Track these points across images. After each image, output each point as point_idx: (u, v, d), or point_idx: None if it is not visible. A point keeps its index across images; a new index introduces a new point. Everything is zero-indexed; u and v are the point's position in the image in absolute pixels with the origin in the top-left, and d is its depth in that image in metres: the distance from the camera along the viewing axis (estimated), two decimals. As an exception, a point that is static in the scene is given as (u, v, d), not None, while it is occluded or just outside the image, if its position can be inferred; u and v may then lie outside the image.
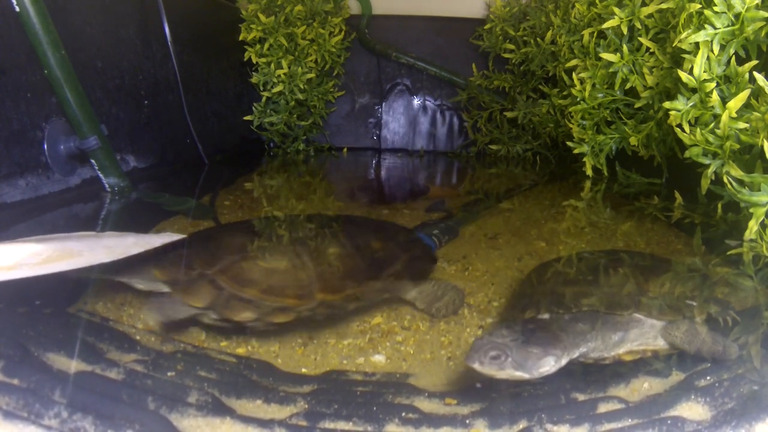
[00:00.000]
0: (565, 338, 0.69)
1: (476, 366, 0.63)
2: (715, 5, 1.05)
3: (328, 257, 0.91)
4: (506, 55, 2.33)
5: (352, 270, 0.91)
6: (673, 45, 1.20)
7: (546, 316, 0.76)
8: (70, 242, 0.88)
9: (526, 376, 0.64)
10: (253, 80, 2.31)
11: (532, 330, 0.68)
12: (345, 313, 0.89)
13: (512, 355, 0.63)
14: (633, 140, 1.60)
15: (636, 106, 1.57)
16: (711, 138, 1.08)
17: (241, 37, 2.28)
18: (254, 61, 2.29)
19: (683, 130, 1.14)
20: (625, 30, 1.51)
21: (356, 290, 0.88)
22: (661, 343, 0.75)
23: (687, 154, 1.14)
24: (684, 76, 1.11)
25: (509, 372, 0.63)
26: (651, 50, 1.47)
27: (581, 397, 0.66)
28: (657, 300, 0.77)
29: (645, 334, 0.75)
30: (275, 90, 2.28)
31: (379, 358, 0.81)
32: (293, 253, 0.90)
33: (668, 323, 0.75)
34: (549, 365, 0.65)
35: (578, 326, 0.72)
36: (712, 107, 1.08)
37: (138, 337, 0.80)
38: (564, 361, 0.67)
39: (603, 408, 0.62)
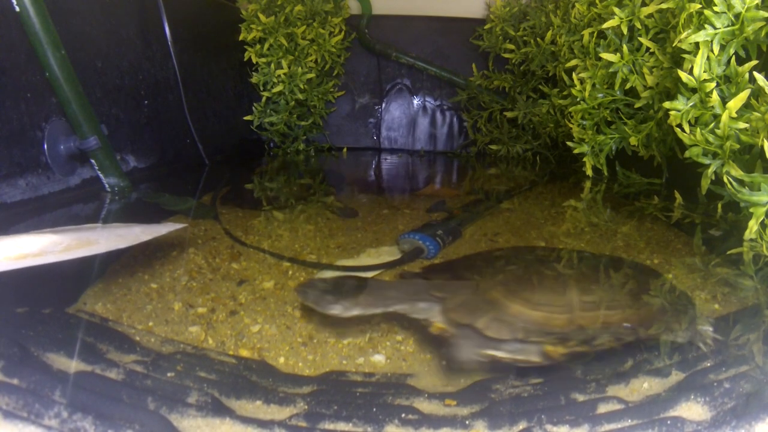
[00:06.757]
0: (365, 298, 0.83)
1: (299, 294, 0.84)
2: (715, 5, 1.05)
3: None
4: (506, 55, 2.33)
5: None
6: (673, 45, 1.20)
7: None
8: (84, 232, 0.92)
9: (318, 309, 0.82)
10: (253, 80, 2.31)
11: (346, 283, 0.87)
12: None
13: (312, 296, 0.83)
14: (633, 140, 1.60)
15: (636, 106, 1.57)
16: (711, 138, 1.08)
17: (241, 37, 2.28)
18: (254, 61, 2.29)
19: (683, 130, 1.14)
20: (625, 30, 1.51)
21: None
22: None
23: (687, 154, 1.14)
24: (684, 76, 1.11)
25: (310, 304, 0.83)
26: (651, 50, 1.47)
27: (581, 397, 0.66)
28: None
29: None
30: (275, 90, 2.28)
31: (379, 358, 0.81)
32: None
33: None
34: (336, 311, 0.81)
35: (390, 292, 0.87)
36: (712, 107, 1.08)
37: (138, 338, 0.80)
38: (355, 312, 0.81)
39: (603, 408, 0.62)
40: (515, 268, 0.91)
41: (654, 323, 0.80)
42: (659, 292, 0.89)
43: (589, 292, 0.84)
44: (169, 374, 0.68)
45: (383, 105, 2.70)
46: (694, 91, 1.12)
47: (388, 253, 1.18)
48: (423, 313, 0.82)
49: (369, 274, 1.05)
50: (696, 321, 0.84)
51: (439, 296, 0.83)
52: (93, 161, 1.44)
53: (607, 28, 1.55)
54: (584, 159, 1.77)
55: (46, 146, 1.34)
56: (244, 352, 0.81)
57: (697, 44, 1.09)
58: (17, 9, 1.25)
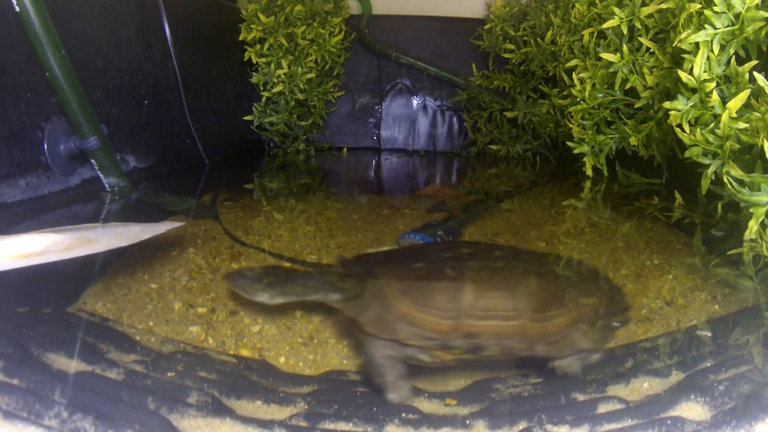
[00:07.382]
0: (289, 287, 0.85)
1: (229, 282, 0.87)
2: (715, 5, 1.05)
3: None
4: (506, 55, 2.33)
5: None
6: (673, 45, 1.20)
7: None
8: (84, 232, 0.92)
9: (245, 296, 0.86)
10: (253, 80, 2.31)
11: (273, 273, 0.90)
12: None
13: (240, 284, 0.86)
14: (633, 140, 1.60)
15: (636, 106, 1.57)
16: (711, 138, 1.08)
17: (241, 37, 2.28)
18: (254, 61, 2.29)
19: (683, 130, 1.14)
20: (625, 30, 1.51)
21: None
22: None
23: (687, 154, 1.14)
24: (684, 76, 1.11)
25: (237, 290, 0.87)
26: (651, 50, 1.47)
27: (581, 397, 0.66)
28: None
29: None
30: (275, 90, 2.28)
31: (379, 358, 0.81)
32: None
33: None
34: (263, 298, 0.84)
35: (310, 282, 0.87)
36: (712, 107, 1.08)
37: (138, 338, 0.80)
38: (280, 300, 0.84)
39: (603, 408, 0.62)
40: (423, 265, 0.87)
41: (557, 340, 0.74)
42: (581, 299, 0.81)
43: (492, 298, 0.77)
44: (169, 374, 0.68)
45: (383, 105, 2.70)
46: (694, 91, 1.12)
47: (388, 253, 1.18)
48: (337, 303, 0.84)
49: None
50: (600, 339, 0.78)
51: (343, 288, 0.85)
52: (93, 161, 1.44)
53: (607, 28, 1.55)
54: (584, 159, 1.77)
55: (46, 146, 1.34)
56: (245, 352, 0.81)
57: (697, 44, 1.09)
58: (17, 9, 1.25)
